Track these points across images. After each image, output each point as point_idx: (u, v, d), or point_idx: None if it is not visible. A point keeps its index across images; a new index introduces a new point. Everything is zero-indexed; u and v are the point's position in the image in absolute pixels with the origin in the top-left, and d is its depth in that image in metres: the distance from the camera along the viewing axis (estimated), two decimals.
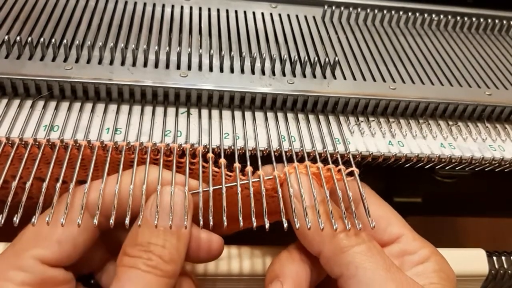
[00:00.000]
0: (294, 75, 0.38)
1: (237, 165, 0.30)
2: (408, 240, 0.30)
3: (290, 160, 0.32)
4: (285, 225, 0.27)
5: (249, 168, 0.29)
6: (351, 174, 0.31)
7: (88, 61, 0.36)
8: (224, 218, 0.27)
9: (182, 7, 0.46)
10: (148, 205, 0.27)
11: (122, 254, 0.27)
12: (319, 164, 0.30)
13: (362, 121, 0.36)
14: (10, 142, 0.30)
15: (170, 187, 0.27)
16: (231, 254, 0.33)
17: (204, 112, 0.35)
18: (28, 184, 0.27)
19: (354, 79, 0.39)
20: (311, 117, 0.36)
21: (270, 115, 0.36)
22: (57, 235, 0.26)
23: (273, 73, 0.38)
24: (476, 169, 0.37)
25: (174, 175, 0.28)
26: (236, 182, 0.29)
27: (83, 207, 0.26)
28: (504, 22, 0.50)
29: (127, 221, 0.26)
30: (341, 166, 0.30)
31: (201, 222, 0.27)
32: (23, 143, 0.30)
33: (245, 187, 0.29)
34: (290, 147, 0.33)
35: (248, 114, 0.35)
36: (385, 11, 0.48)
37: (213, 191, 0.28)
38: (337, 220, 0.27)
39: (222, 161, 0.30)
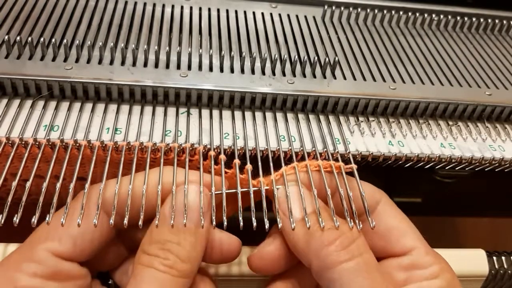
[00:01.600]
0: (294, 75, 0.38)
1: (236, 161, 0.30)
2: (420, 254, 0.29)
3: (290, 160, 0.32)
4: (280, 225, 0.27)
5: (248, 166, 0.29)
6: (351, 174, 0.31)
7: (88, 61, 0.36)
8: (224, 217, 0.27)
9: (182, 7, 0.46)
10: (166, 203, 0.27)
11: (140, 252, 0.27)
12: (320, 162, 0.30)
13: (362, 121, 0.36)
14: (10, 142, 0.30)
15: (188, 186, 0.27)
16: None
17: (204, 112, 0.35)
18: (28, 184, 0.27)
19: (354, 79, 0.39)
20: (311, 117, 0.36)
21: (270, 115, 0.36)
22: (71, 230, 0.26)
23: (273, 73, 0.38)
24: (476, 169, 0.37)
25: (187, 173, 0.28)
26: (237, 181, 0.29)
27: (98, 206, 0.26)
28: (504, 22, 0.50)
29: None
30: (341, 163, 0.30)
31: (202, 222, 0.27)
32: (23, 143, 0.30)
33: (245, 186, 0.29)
34: (290, 147, 0.33)
35: (248, 114, 0.35)
36: (385, 11, 0.48)
37: (210, 190, 0.28)
38: (328, 232, 0.26)
39: (222, 157, 0.30)
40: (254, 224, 0.27)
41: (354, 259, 0.26)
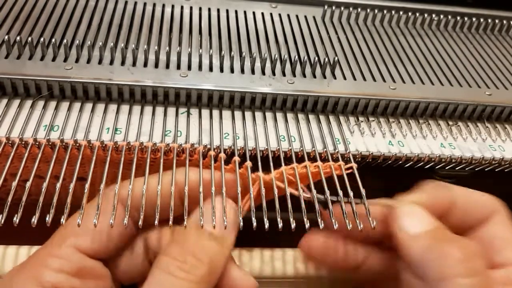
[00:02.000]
0: (294, 75, 0.38)
1: (236, 158, 0.30)
2: None
3: (289, 160, 0.32)
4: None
5: (248, 163, 0.29)
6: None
7: (88, 61, 0.36)
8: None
9: (182, 7, 0.46)
10: (196, 211, 0.27)
11: (160, 255, 0.26)
12: (319, 163, 0.30)
13: (362, 121, 0.36)
14: (10, 142, 0.30)
15: (221, 197, 0.27)
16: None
17: (204, 112, 0.35)
18: (28, 184, 0.27)
19: (354, 79, 0.39)
20: (311, 117, 0.36)
21: (270, 115, 0.36)
22: (97, 227, 0.26)
23: (273, 73, 0.38)
24: (476, 169, 0.37)
25: (202, 177, 0.28)
26: (236, 177, 0.29)
27: (127, 206, 0.26)
28: (504, 22, 0.50)
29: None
30: (341, 163, 0.30)
31: (202, 222, 0.27)
32: (23, 143, 0.30)
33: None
34: (290, 147, 0.33)
35: (248, 114, 0.35)
36: (385, 11, 0.48)
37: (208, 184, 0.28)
38: (450, 244, 0.26)
39: (222, 155, 0.30)
40: (254, 224, 0.27)
41: (474, 276, 0.25)
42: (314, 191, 0.29)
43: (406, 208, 0.28)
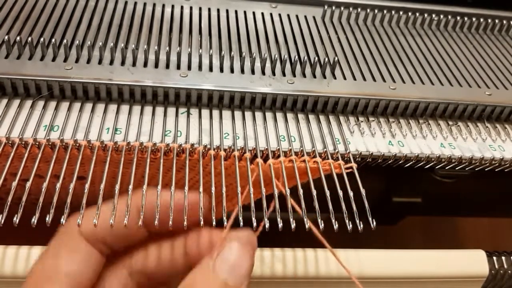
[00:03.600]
0: (294, 75, 0.38)
1: (236, 153, 0.30)
2: None
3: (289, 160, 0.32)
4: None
5: (247, 155, 0.30)
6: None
7: (88, 61, 0.36)
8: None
9: (182, 7, 0.46)
10: (213, 255, 0.25)
11: None
12: (318, 159, 0.31)
13: (362, 121, 0.36)
14: (10, 142, 0.30)
15: (237, 243, 0.25)
16: None
17: (204, 112, 0.35)
18: (28, 184, 0.27)
19: (354, 79, 0.39)
20: (311, 117, 0.36)
21: (270, 115, 0.36)
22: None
23: (273, 73, 0.38)
24: (476, 169, 0.37)
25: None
26: (235, 175, 0.29)
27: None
28: (504, 22, 0.50)
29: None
30: (341, 162, 0.31)
31: (202, 222, 0.27)
32: (23, 143, 0.30)
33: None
34: (290, 147, 0.33)
35: (248, 114, 0.35)
36: (385, 11, 0.48)
37: (203, 179, 0.28)
38: None
39: (222, 153, 0.31)
40: (254, 224, 0.27)
41: None
42: (304, 209, 0.28)
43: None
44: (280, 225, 0.27)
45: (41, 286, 0.24)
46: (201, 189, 0.28)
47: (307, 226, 0.27)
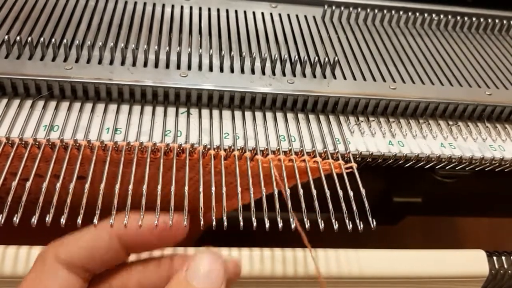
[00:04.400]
0: (294, 75, 0.38)
1: (236, 152, 0.30)
2: None
3: (289, 160, 0.32)
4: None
5: (247, 154, 0.30)
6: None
7: (88, 61, 0.36)
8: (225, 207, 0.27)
9: (182, 7, 0.46)
10: (187, 268, 0.25)
11: None
12: (318, 159, 0.31)
13: (362, 121, 0.36)
14: (10, 142, 0.30)
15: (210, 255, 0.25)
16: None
17: (204, 112, 0.35)
18: (28, 184, 0.27)
19: (354, 79, 0.39)
20: (311, 117, 0.36)
21: (270, 115, 0.36)
22: None
23: (273, 73, 0.38)
24: (476, 169, 0.37)
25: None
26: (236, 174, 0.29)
27: None
28: (504, 22, 0.50)
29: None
30: (341, 162, 0.30)
31: (202, 222, 0.27)
32: (23, 143, 0.30)
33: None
34: (290, 147, 0.33)
35: (248, 114, 0.35)
36: (385, 11, 0.48)
37: (203, 178, 0.28)
38: None
39: (222, 153, 0.31)
40: (254, 224, 0.27)
41: None
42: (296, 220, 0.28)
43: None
44: (280, 225, 0.27)
45: None
46: (201, 189, 0.28)
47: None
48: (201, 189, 0.28)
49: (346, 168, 0.31)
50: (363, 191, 0.29)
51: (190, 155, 0.31)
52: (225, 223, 0.27)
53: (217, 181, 0.29)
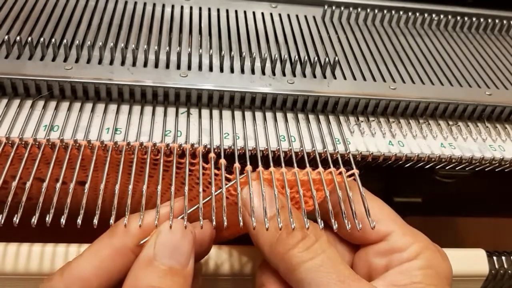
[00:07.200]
0: (294, 75, 0.38)
1: (237, 165, 0.30)
2: (397, 237, 0.28)
3: (289, 159, 0.32)
4: None
5: (248, 168, 0.29)
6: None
7: (88, 61, 0.36)
8: (224, 217, 0.27)
9: (182, 7, 0.46)
10: (150, 243, 0.25)
11: None
12: (320, 169, 0.30)
13: (362, 121, 0.36)
14: (10, 142, 0.30)
15: (170, 223, 0.26)
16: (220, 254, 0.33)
17: (204, 112, 0.35)
18: (28, 184, 0.27)
19: (354, 79, 0.39)
20: (311, 117, 0.36)
21: (270, 115, 0.36)
22: None
23: (273, 73, 0.38)
24: (476, 169, 0.37)
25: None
26: (236, 182, 0.29)
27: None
28: (504, 22, 0.50)
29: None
30: (342, 169, 0.30)
31: (201, 223, 0.27)
32: (23, 143, 0.30)
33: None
34: (290, 147, 0.33)
35: (248, 114, 0.35)
36: (385, 11, 0.48)
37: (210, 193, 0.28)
38: (291, 235, 0.26)
39: (222, 161, 0.30)
40: (254, 224, 0.27)
41: (318, 256, 0.26)
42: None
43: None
44: (280, 225, 0.27)
45: None
46: (201, 189, 0.28)
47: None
48: (200, 189, 0.28)
49: (348, 176, 0.30)
50: (363, 192, 0.29)
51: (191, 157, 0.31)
52: (225, 223, 0.27)
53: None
